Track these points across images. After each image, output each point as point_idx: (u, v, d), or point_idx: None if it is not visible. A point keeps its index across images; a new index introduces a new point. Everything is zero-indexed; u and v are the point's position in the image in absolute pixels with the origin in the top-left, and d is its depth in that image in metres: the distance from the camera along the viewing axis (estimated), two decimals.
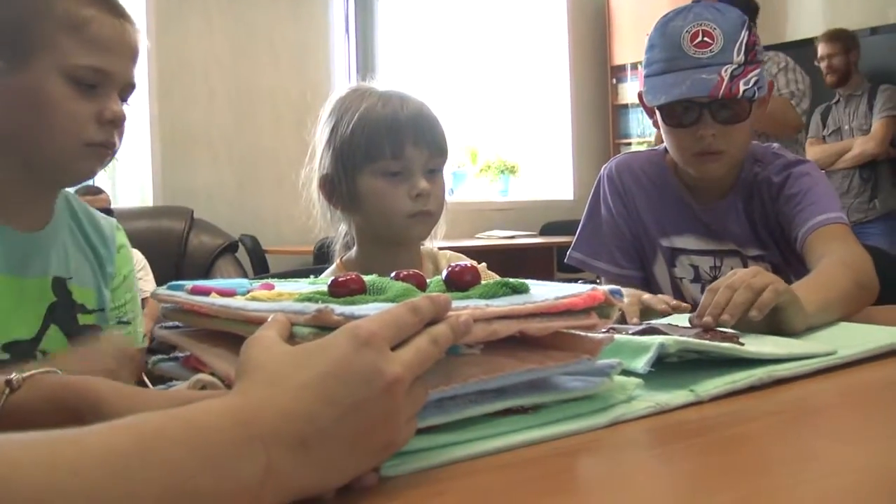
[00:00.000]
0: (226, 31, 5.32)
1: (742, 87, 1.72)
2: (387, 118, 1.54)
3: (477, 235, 5.80)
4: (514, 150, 6.84)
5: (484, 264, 1.64)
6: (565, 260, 2.09)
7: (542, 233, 6.12)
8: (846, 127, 5.09)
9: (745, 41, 1.77)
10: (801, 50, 5.42)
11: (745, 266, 1.87)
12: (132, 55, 1.42)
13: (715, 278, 1.86)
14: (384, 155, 1.53)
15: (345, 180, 1.57)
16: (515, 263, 4.96)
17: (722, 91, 1.71)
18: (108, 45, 1.37)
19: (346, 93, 1.63)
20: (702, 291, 1.76)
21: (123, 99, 1.42)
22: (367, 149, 1.54)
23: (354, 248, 1.66)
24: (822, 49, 5.13)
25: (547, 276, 5.38)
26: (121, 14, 1.40)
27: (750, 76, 1.74)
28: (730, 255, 1.91)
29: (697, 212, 1.93)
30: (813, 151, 5.11)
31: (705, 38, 1.75)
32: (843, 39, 5.11)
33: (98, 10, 1.37)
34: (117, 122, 1.39)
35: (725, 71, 1.73)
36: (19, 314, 1.40)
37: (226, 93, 5.21)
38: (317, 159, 1.64)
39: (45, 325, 1.43)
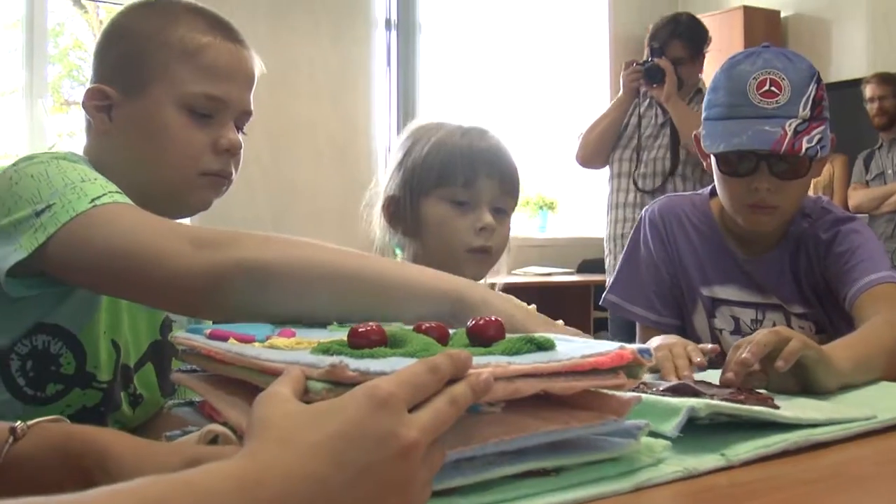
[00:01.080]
0: (265, 62, 5.33)
1: (805, 145, 1.66)
2: (464, 146, 1.55)
3: (514, 271, 5.75)
4: (553, 186, 6.81)
5: (534, 306, 1.62)
6: (600, 302, 2.05)
7: (580, 270, 6.06)
8: (889, 171, 5.03)
9: (812, 95, 1.71)
10: (845, 91, 5.37)
11: (789, 322, 1.82)
12: (249, 82, 1.40)
13: (755, 331, 1.82)
14: (455, 181, 1.53)
15: (410, 203, 1.57)
16: (552, 301, 4.92)
17: (784, 146, 1.65)
18: (225, 72, 1.35)
19: (426, 122, 1.63)
20: None
21: (239, 127, 1.41)
22: (439, 172, 1.54)
23: None
24: (872, 90, 5.08)
25: (583, 314, 5.34)
26: (237, 39, 1.39)
27: (814, 133, 1.68)
28: (773, 308, 1.85)
29: (741, 262, 1.87)
30: (856, 196, 5.05)
31: (772, 88, 1.69)
32: (893, 82, 5.07)
33: (214, 36, 1.35)
34: (233, 151, 1.37)
35: (789, 125, 1.67)
36: (130, 340, 1.39)
37: (263, 124, 5.20)
38: (384, 182, 1.63)
39: (143, 360, 1.42)
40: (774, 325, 1.82)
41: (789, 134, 1.66)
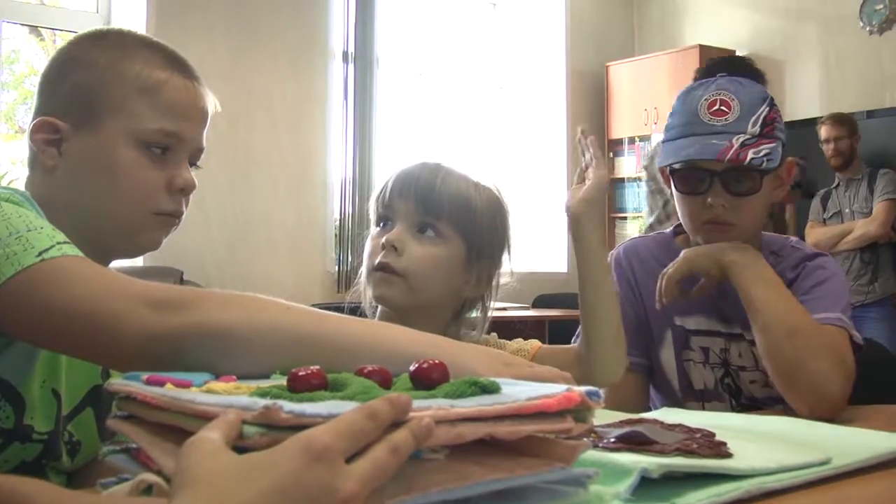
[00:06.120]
0: (223, 92, 5.27)
1: (750, 155, 1.69)
2: (396, 173, 1.56)
3: None
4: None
5: (494, 335, 1.67)
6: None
7: (535, 305, 6.04)
8: (846, 210, 5.09)
9: (763, 115, 1.76)
10: (800, 130, 5.43)
11: (753, 352, 1.80)
12: (204, 119, 1.37)
13: (725, 360, 1.85)
14: (381, 202, 1.55)
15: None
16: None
17: (729, 156, 1.69)
18: (181, 108, 1.32)
19: None
20: (713, 373, 1.82)
21: (192, 163, 1.37)
22: (378, 195, 1.58)
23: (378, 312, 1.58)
24: (827, 131, 5.13)
25: None
26: (193, 76, 1.36)
27: (762, 147, 1.71)
28: (738, 338, 1.84)
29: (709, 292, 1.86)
30: (814, 234, 5.10)
31: (722, 107, 1.75)
32: (848, 123, 5.14)
33: (171, 72, 1.32)
34: (188, 191, 1.34)
35: (737, 139, 1.71)
36: (65, 389, 1.32)
37: (220, 154, 5.15)
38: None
39: (81, 406, 1.35)
40: (740, 355, 1.84)
41: (735, 146, 1.70)
